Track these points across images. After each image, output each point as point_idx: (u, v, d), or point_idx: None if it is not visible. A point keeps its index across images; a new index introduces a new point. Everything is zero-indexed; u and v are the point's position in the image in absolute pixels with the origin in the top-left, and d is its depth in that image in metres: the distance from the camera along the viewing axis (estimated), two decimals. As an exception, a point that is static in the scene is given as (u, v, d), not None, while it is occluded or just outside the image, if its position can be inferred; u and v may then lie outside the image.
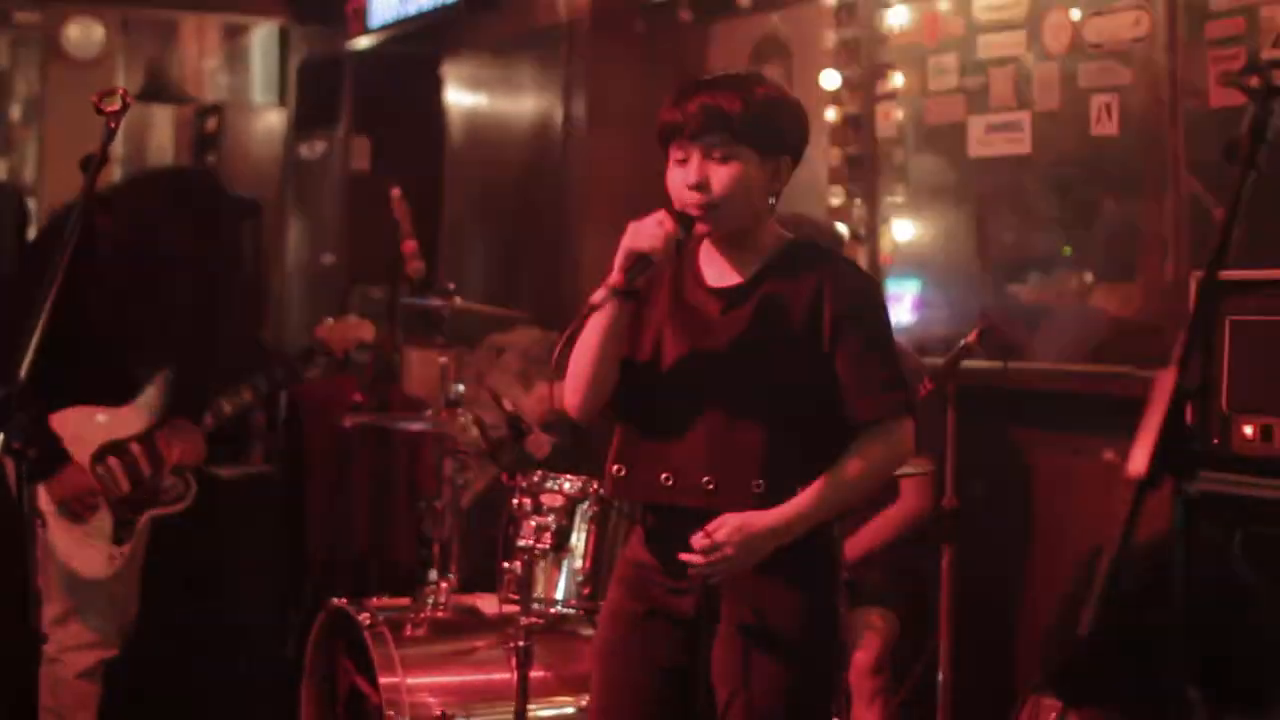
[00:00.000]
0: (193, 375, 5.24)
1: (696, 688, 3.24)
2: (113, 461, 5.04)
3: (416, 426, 4.99)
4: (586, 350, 3.27)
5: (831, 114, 5.79)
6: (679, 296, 3.30)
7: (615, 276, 3.15)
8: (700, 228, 3.20)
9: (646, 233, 3.14)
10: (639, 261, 3.15)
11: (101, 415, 5.06)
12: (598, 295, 3.15)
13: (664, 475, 3.23)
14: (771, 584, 3.21)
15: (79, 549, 4.98)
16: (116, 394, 5.10)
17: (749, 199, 3.21)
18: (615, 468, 3.30)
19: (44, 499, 4.89)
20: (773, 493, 3.16)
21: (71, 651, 4.99)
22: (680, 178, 3.20)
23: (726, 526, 3.13)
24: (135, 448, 5.09)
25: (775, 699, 3.20)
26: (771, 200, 3.25)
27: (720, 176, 3.17)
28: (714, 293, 3.28)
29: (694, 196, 3.17)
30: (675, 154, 3.21)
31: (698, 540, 3.13)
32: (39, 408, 4.80)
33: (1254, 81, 2.06)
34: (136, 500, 5.08)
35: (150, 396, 5.14)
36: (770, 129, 3.20)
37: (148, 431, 5.11)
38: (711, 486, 3.18)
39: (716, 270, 3.30)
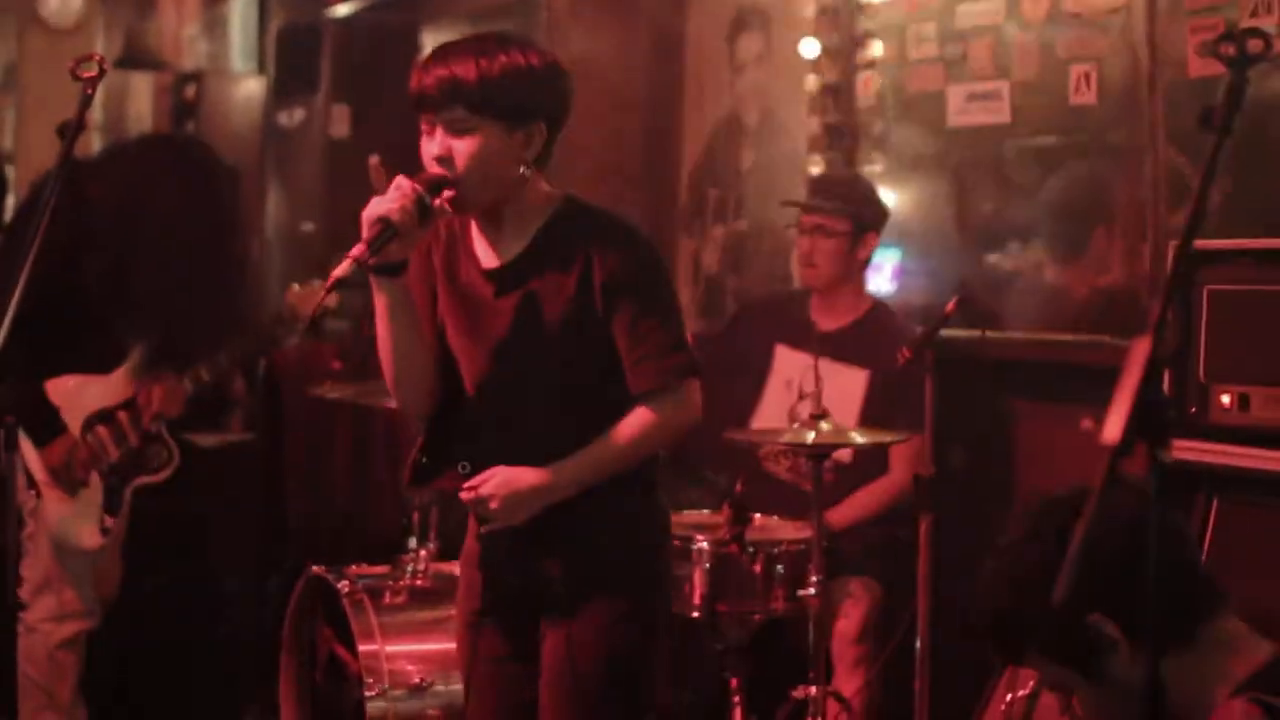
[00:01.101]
0: (181, 340, 5.24)
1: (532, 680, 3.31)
2: (101, 430, 5.03)
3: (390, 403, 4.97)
4: (380, 341, 3.23)
5: (811, 83, 5.79)
6: (454, 279, 3.27)
7: (358, 247, 3.04)
8: (448, 198, 3.11)
9: (387, 199, 3.05)
10: (382, 230, 3.04)
11: (88, 384, 5.05)
12: (340, 267, 3.03)
13: (461, 464, 3.24)
14: (586, 586, 3.25)
15: (72, 520, 4.97)
16: (102, 362, 5.08)
17: (494, 172, 3.13)
18: (418, 456, 3.32)
19: (39, 470, 4.88)
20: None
21: (51, 622, 4.99)
22: (428, 149, 3.14)
23: (492, 480, 3.16)
24: (122, 415, 5.08)
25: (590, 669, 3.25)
26: (524, 170, 3.15)
27: (460, 150, 3.09)
28: (485, 275, 3.24)
29: (439, 170, 3.11)
30: (424, 125, 3.15)
31: (464, 494, 3.18)
32: (18, 376, 4.80)
33: (1229, 50, 2.06)
34: (124, 468, 5.08)
35: (134, 363, 5.13)
36: (511, 98, 3.09)
37: (132, 399, 5.11)
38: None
39: (485, 249, 3.26)
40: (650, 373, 3.18)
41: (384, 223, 3.04)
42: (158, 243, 5.11)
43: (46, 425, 4.94)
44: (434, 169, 3.11)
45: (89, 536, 5.01)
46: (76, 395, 5.02)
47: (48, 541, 4.95)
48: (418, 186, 3.07)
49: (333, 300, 5.30)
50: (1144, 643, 2.13)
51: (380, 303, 3.19)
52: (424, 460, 3.33)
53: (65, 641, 5.02)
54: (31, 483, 4.90)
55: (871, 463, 4.92)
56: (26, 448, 4.87)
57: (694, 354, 3.25)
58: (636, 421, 3.20)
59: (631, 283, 3.17)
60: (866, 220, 5.06)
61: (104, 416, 5.05)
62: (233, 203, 5.72)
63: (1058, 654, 2.47)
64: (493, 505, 3.17)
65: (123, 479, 5.08)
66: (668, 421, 3.23)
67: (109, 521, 5.05)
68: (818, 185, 5.37)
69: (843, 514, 4.86)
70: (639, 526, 3.34)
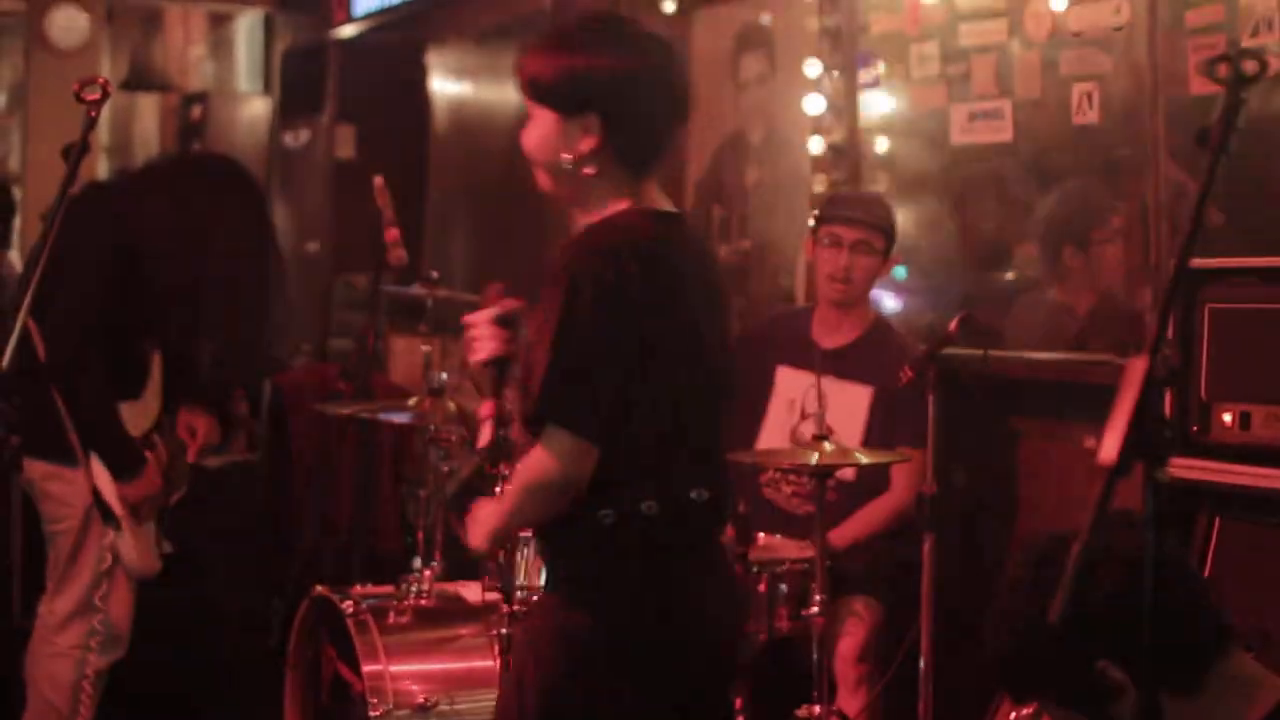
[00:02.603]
0: (232, 363, 5.25)
1: None
2: (150, 459, 5.01)
3: (398, 419, 4.99)
4: None
5: (814, 102, 5.80)
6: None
7: (487, 408, 3.24)
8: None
9: (479, 344, 3.22)
10: (499, 368, 3.21)
11: (128, 408, 5.02)
12: (482, 440, 3.22)
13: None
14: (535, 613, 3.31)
15: (141, 550, 4.96)
16: (130, 385, 5.07)
17: (543, 155, 3.14)
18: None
19: (118, 504, 4.85)
20: None
21: (82, 650, 4.94)
22: None
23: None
24: (157, 438, 5.09)
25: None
26: (565, 158, 3.10)
27: (527, 132, 3.18)
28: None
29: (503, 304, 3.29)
30: None
31: None
32: (105, 407, 4.81)
33: (1225, 71, 2.07)
34: (166, 492, 5.08)
35: (156, 384, 5.13)
36: (562, 90, 3.10)
37: (160, 421, 5.12)
38: None
39: None
40: (523, 411, 3.11)
41: (498, 361, 3.22)
42: (191, 261, 5.09)
43: (131, 460, 4.90)
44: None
45: (151, 562, 5.01)
46: (126, 422, 5.00)
47: (93, 570, 4.92)
48: (487, 318, 3.25)
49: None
50: (1150, 686, 2.12)
51: None
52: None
53: (96, 671, 5.00)
54: (109, 516, 4.84)
55: (874, 479, 4.92)
56: (103, 482, 4.83)
57: (565, 402, 2.99)
58: (518, 467, 3.14)
59: (543, 305, 3.04)
60: (893, 238, 5.06)
61: (147, 442, 5.04)
62: (264, 220, 5.73)
63: (1066, 699, 2.47)
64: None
65: (164, 501, 5.09)
66: (526, 471, 3.08)
67: (167, 547, 5.05)
68: (853, 201, 5.25)
69: (845, 532, 4.86)
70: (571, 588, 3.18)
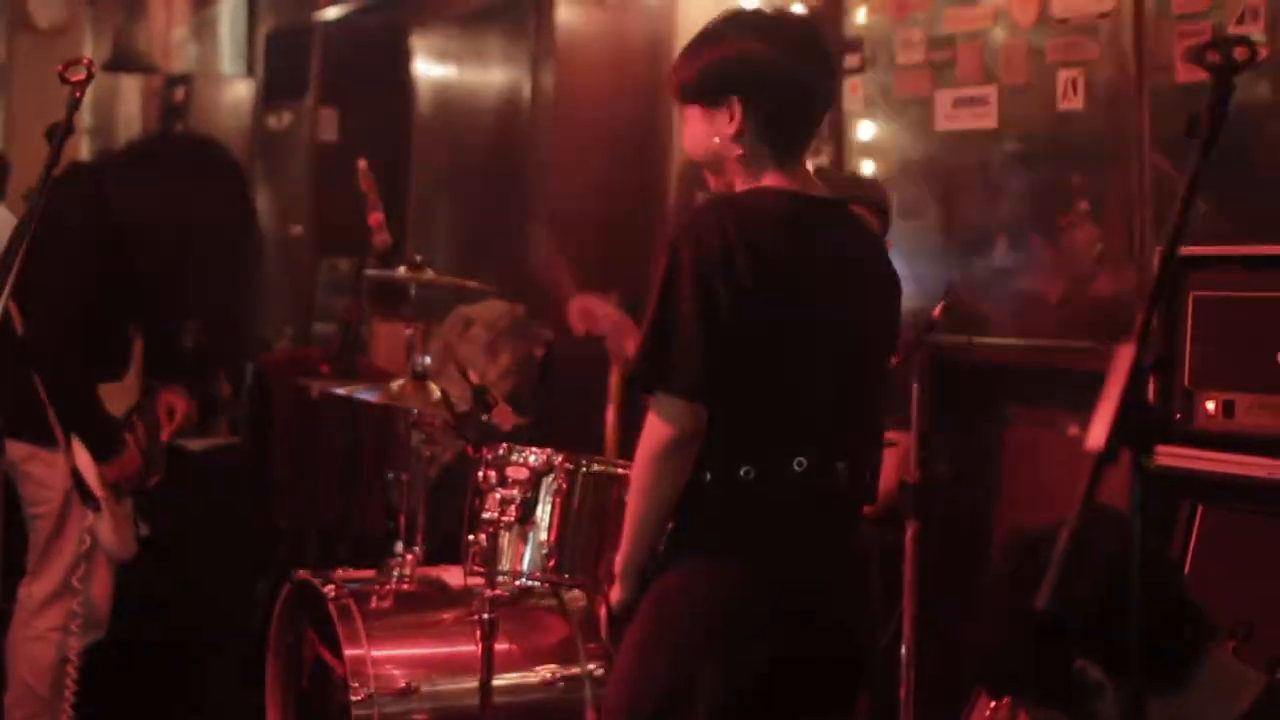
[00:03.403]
0: (197, 341, 5.25)
1: None
2: (130, 440, 5.01)
3: (379, 398, 4.97)
4: None
5: (799, 87, 5.78)
6: None
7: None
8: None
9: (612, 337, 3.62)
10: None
11: (109, 390, 5.00)
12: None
13: None
14: None
15: (118, 532, 4.95)
16: (111, 367, 5.06)
17: (698, 144, 3.33)
18: None
19: (98, 484, 4.84)
20: None
21: (61, 632, 4.94)
22: None
23: None
24: (136, 419, 5.08)
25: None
26: (717, 140, 3.28)
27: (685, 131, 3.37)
28: None
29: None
30: None
31: None
32: (79, 389, 4.80)
33: (1215, 57, 2.06)
34: (144, 474, 5.08)
35: (137, 365, 5.12)
36: (701, 82, 3.29)
37: (139, 403, 5.11)
38: None
39: None
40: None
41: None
42: (173, 241, 5.09)
43: (111, 440, 4.90)
44: None
45: (129, 545, 5.00)
46: (106, 403, 4.99)
47: (73, 553, 4.92)
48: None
49: None
50: (1131, 684, 2.12)
51: None
52: None
53: (78, 654, 4.99)
54: (89, 497, 4.83)
55: None
56: (84, 462, 4.82)
57: (660, 364, 3.13)
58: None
59: (656, 273, 3.18)
60: (889, 218, 5.06)
61: (126, 424, 5.03)
62: (245, 201, 5.73)
63: (1045, 697, 2.47)
64: None
65: (143, 484, 5.08)
66: (642, 438, 3.19)
67: (144, 529, 5.04)
68: (847, 181, 5.20)
69: None
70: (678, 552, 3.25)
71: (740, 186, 3.27)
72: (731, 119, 3.23)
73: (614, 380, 5.10)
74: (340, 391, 5.13)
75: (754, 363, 3.13)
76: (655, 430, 3.13)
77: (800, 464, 3.15)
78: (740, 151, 3.25)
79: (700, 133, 3.30)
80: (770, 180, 3.24)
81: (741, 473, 3.13)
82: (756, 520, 3.17)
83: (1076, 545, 1.93)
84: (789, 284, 3.15)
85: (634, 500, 3.21)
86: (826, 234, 3.26)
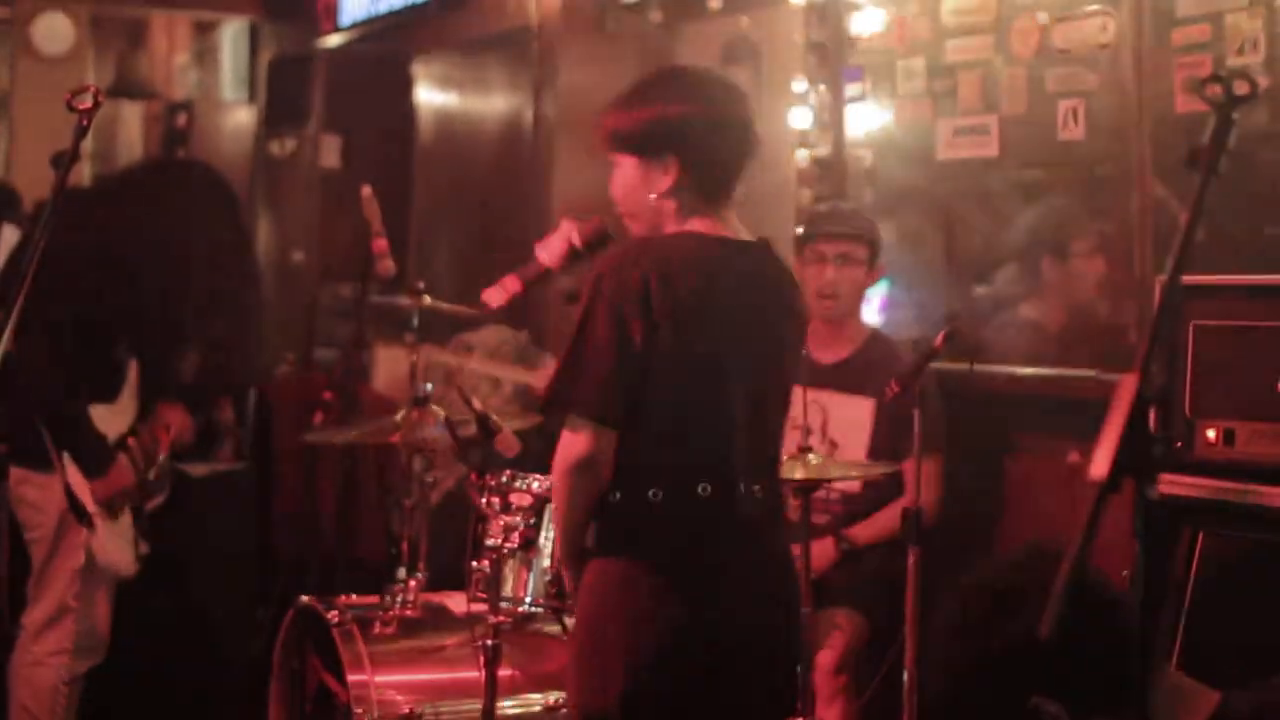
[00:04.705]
0: (216, 370, 5.26)
1: None
2: (122, 457, 5.02)
3: (379, 438, 5.00)
4: None
5: (800, 116, 5.81)
6: None
7: (513, 281, 3.56)
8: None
9: (549, 242, 3.58)
10: (541, 273, 3.58)
11: (100, 411, 5.02)
12: (491, 294, 3.60)
13: None
14: None
15: (116, 548, 4.95)
16: (105, 387, 5.07)
17: (630, 196, 3.48)
18: None
19: (90, 501, 4.85)
20: None
21: (60, 655, 4.95)
22: None
23: None
24: (132, 441, 5.09)
25: None
26: (653, 197, 3.44)
27: (614, 179, 3.52)
28: None
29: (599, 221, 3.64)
30: None
31: None
32: (66, 408, 4.81)
33: (1215, 91, 2.09)
34: (141, 494, 5.08)
35: (133, 389, 5.13)
36: (640, 137, 3.45)
37: (136, 424, 5.12)
38: None
39: None
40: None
41: (540, 264, 3.57)
42: (170, 266, 5.11)
43: (101, 456, 4.91)
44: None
45: (127, 564, 5.01)
46: (101, 424, 5.00)
47: (68, 576, 4.93)
48: (575, 233, 3.60)
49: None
50: (1087, 715, 2.15)
51: None
52: None
53: (74, 677, 5.00)
54: (83, 514, 4.85)
55: (891, 486, 4.92)
56: (76, 480, 4.83)
57: (572, 387, 3.33)
58: None
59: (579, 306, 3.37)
60: (877, 248, 5.10)
61: (121, 444, 5.04)
62: (240, 226, 5.74)
63: None
64: None
65: (141, 503, 5.09)
66: (556, 453, 3.39)
67: (144, 547, 5.06)
68: (832, 215, 5.30)
69: (865, 531, 4.89)
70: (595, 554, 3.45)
71: (668, 231, 3.45)
72: (667, 173, 3.43)
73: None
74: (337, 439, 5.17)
75: (664, 392, 3.33)
76: (566, 448, 3.35)
77: (705, 489, 3.36)
78: (672, 204, 3.44)
79: (634, 185, 3.47)
80: (696, 225, 3.44)
81: (649, 494, 3.35)
82: (659, 537, 3.37)
83: (1077, 575, 1.95)
84: (700, 320, 3.34)
85: (555, 506, 3.48)
86: (741, 273, 3.45)
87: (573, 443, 3.33)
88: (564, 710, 4.42)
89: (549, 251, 3.56)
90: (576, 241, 3.56)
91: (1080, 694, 2.31)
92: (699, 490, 3.35)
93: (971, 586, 2.50)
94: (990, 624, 2.06)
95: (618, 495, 3.37)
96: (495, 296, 3.55)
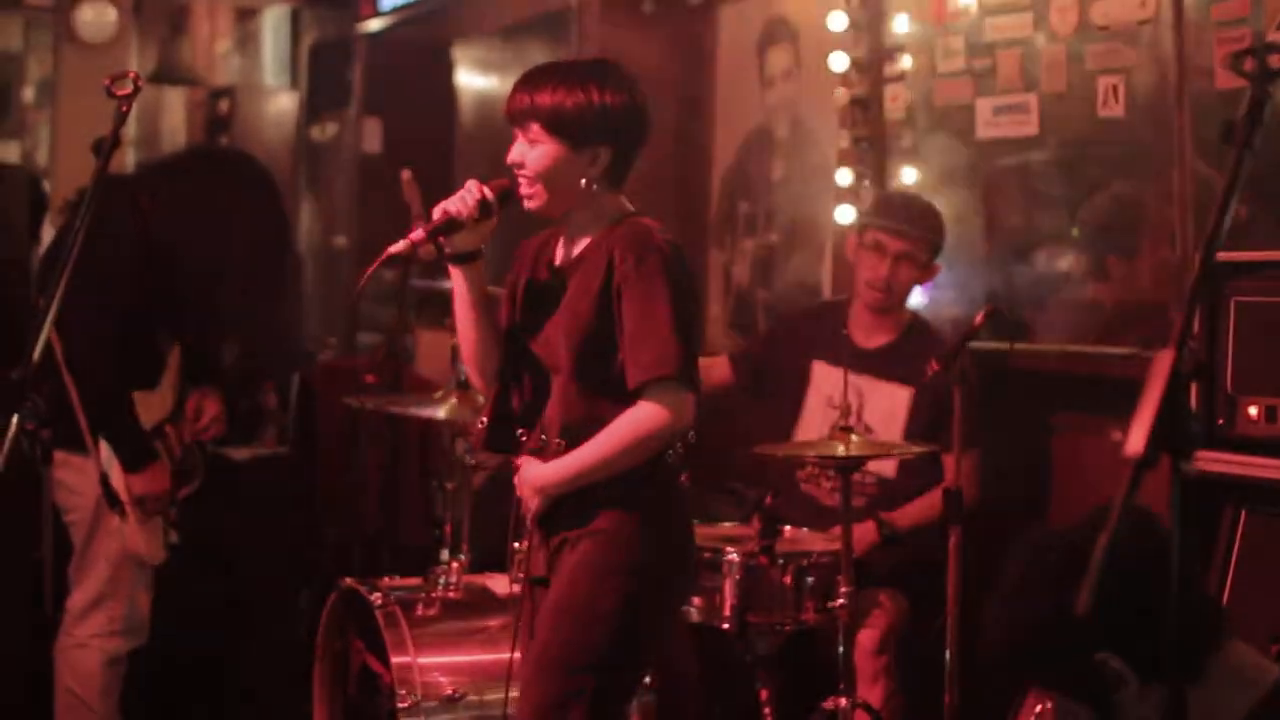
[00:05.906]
0: (231, 351, 5.27)
1: None
2: (163, 459, 5.03)
3: (423, 413, 5.01)
4: (458, 321, 3.74)
5: (840, 95, 5.80)
6: (536, 273, 3.70)
7: (418, 230, 3.56)
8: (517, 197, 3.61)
9: (455, 196, 3.57)
10: (446, 221, 3.56)
11: (143, 397, 5.03)
12: (396, 245, 3.54)
13: (519, 431, 3.65)
14: (572, 551, 3.57)
15: (145, 538, 4.97)
16: (145, 375, 5.08)
17: (558, 181, 3.55)
18: (483, 424, 3.72)
19: (125, 492, 4.87)
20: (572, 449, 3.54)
21: (103, 637, 4.98)
22: (511, 153, 3.61)
23: (518, 473, 3.63)
24: (169, 429, 5.11)
25: (539, 651, 3.58)
26: (584, 184, 3.55)
27: (532, 159, 3.55)
28: (552, 270, 3.67)
29: (510, 179, 3.61)
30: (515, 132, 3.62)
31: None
32: (114, 399, 4.83)
33: (1251, 65, 2.08)
34: (176, 482, 5.10)
35: (173, 376, 5.15)
36: (578, 125, 3.51)
37: (174, 411, 5.14)
38: (534, 445, 3.60)
39: (561, 250, 3.69)
40: (631, 372, 3.46)
41: (451, 219, 3.55)
42: (211, 253, 5.12)
43: (138, 449, 4.93)
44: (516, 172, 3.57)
45: (157, 551, 5.03)
46: (140, 411, 5.01)
47: (107, 559, 4.95)
48: (485, 189, 3.56)
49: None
50: (1153, 677, 2.15)
51: (457, 287, 3.70)
52: (487, 426, 3.72)
53: (118, 659, 5.02)
54: (115, 501, 4.86)
55: (932, 468, 4.90)
56: (111, 466, 4.85)
57: (684, 363, 3.44)
58: (624, 420, 3.48)
59: (634, 281, 3.45)
60: (939, 250, 5.08)
61: (158, 433, 5.06)
62: (282, 212, 5.75)
63: (1067, 691, 2.49)
64: (520, 492, 3.64)
65: (176, 491, 5.11)
66: (640, 424, 3.46)
67: (174, 536, 5.08)
68: (902, 209, 5.22)
69: (906, 515, 4.89)
70: (644, 509, 3.57)
71: (583, 212, 3.60)
72: (595, 162, 3.55)
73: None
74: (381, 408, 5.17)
75: None
76: (661, 418, 3.46)
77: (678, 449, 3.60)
78: (595, 187, 3.57)
79: (559, 167, 3.52)
80: (628, 207, 3.63)
81: (668, 454, 3.56)
82: (675, 490, 3.63)
83: (1113, 548, 1.95)
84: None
85: (605, 452, 3.50)
86: None
87: (673, 414, 3.44)
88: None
89: (460, 204, 3.56)
90: (489, 195, 3.57)
91: (1145, 657, 2.32)
92: (680, 448, 3.60)
93: (1044, 542, 2.51)
94: (1063, 579, 2.06)
95: (669, 454, 3.55)
96: (398, 247, 3.55)
